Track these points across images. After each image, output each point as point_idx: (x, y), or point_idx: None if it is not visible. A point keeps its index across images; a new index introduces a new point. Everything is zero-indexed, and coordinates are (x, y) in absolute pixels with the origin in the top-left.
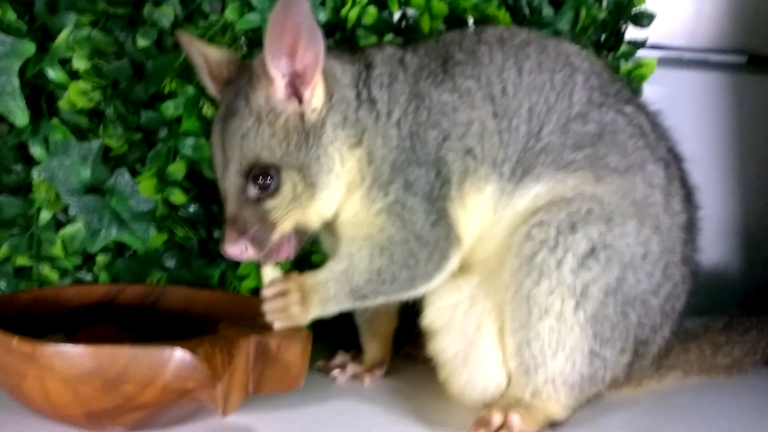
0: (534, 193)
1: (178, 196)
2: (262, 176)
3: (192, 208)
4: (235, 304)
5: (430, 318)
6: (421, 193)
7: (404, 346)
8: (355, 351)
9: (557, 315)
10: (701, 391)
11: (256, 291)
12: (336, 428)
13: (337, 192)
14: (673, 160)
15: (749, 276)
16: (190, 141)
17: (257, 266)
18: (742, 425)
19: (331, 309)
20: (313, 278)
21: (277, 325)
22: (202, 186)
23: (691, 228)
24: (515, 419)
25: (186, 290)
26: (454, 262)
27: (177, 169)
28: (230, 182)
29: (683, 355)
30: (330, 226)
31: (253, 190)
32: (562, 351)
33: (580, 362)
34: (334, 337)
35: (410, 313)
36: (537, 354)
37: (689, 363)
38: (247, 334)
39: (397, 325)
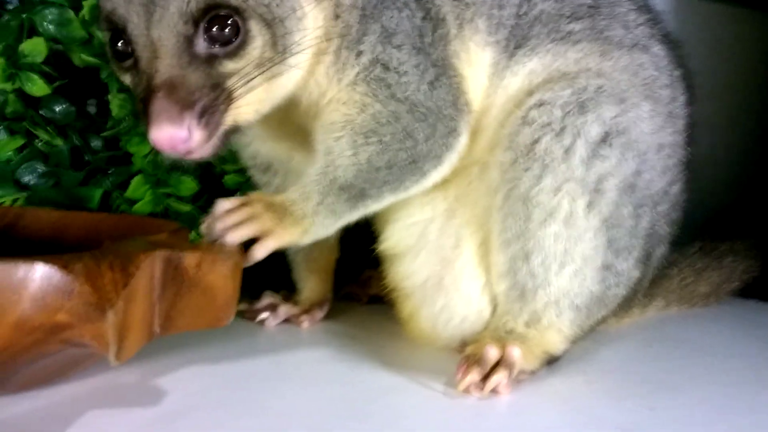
0: (528, 69)
1: (37, 86)
2: (221, 25)
3: (59, 106)
4: (130, 228)
5: (395, 238)
6: (408, 43)
7: (344, 285)
8: (286, 291)
9: (565, 218)
10: (685, 321)
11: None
12: (276, 381)
13: (305, 62)
14: (672, 46)
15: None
16: (52, 13)
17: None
18: (737, 352)
19: (328, 221)
20: (286, 194)
21: (235, 237)
22: (73, 76)
23: (690, 129)
24: (515, 353)
25: (55, 213)
26: (464, 139)
27: (34, 48)
28: (166, 29)
29: (666, 282)
30: (288, 131)
31: (203, 44)
32: (570, 264)
33: (591, 277)
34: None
35: (351, 244)
36: (537, 270)
37: (671, 291)
38: (151, 248)
39: (339, 257)
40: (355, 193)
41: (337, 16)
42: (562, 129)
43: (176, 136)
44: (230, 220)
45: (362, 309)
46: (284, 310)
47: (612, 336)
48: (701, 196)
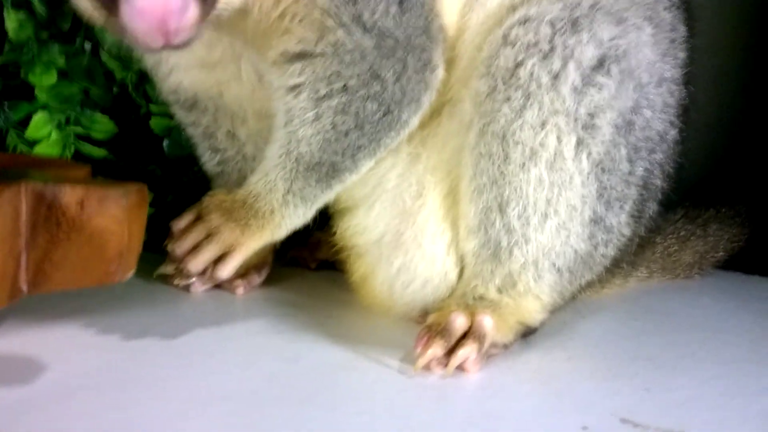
0: None
1: None
2: None
3: None
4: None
5: (347, 188)
6: None
7: (290, 249)
8: None
9: (550, 159)
10: (666, 293)
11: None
12: (198, 356)
13: None
14: None
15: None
16: None
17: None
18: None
19: (300, 210)
20: (246, 186)
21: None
22: None
23: (689, 66)
24: (487, 323)
25: None
26: (440, 73)
27: None
28: None
29: (649, 249)
30: (218, 57)
31: None
32: (553, 216)
33: (577, 234)
34: None
35: None
36: (514, 224)
37: (654, 260)
38: (16, 178)
39: None
40: (326, 170)
41: None
42: (551, 50)
43: (171, 4)
44: (187, 243)
45: (309, 275)
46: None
47: (591, 308)
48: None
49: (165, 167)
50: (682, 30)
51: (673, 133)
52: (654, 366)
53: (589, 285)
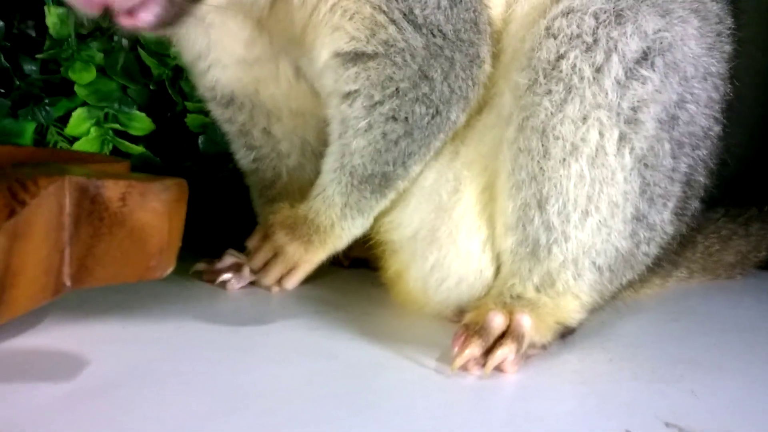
0: None
1: None
2: None
3: None
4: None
5: None
6: None
7: None
8: None
9: (591, 155)
10: (708, 294)
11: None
12: (235, 351)
13: None
14: None
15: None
16: None
17: None
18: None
19: (358, 221)
20: (307, 203)
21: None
22: None
23: (735, 61)
24: (525, 322)
25: None
26: (488, 68)
27: None
28: None
29: (690, 249)
30: (258, 54)
31: None
32: (594, 214)
33: (618, 231)
34: (215, 232)
35: None
36: (553, 220)
37: (694, 260)
38: (59, 173)
39: None
40: (379, 181)
41: None
42: (595, 42)
43: None
44: (258, 262)
45: (343, 273)
46: (250, 271)
47: (630, 308)
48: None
49: (200, 164)
50: (728, 22)
51: (716, 129)
52: (699, 368)
53: (630, 284)
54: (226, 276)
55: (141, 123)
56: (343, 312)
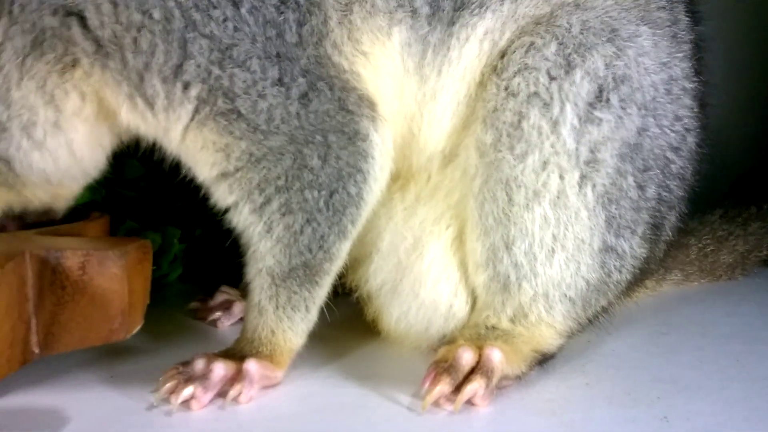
0: (483, 31)
1: None
2: None
3: None
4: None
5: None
6: (257, 53)
7: None
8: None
9: (554, 198)
10: (707, 299)
11: None
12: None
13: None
14: None
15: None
16: None
17: None
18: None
19: (298, 315)
20: (242, 330)
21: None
22: None
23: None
24: (495, 357)
25: None
26: (378, 138)
27: None
28: None
29: (683, 252)
30: None
31: None
32: (560, 251)
33: (587, 264)
34: (209, 269)
35: None
36: (520, 260)
37: (689, 263)
38: (17, 247)
39: None
40: (303, 272)
41: (104, 67)
42: (551, 98)
43: None
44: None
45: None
46: (240, 308)
47: (621, 320)
48: (722, 158)
49: (192, 202)
50: (685, 21)
51: (690, 139)
52: (676, 389)
53: (612, 305)
54: (217, 314)
55: (133, 170)
56: (326, 347)
